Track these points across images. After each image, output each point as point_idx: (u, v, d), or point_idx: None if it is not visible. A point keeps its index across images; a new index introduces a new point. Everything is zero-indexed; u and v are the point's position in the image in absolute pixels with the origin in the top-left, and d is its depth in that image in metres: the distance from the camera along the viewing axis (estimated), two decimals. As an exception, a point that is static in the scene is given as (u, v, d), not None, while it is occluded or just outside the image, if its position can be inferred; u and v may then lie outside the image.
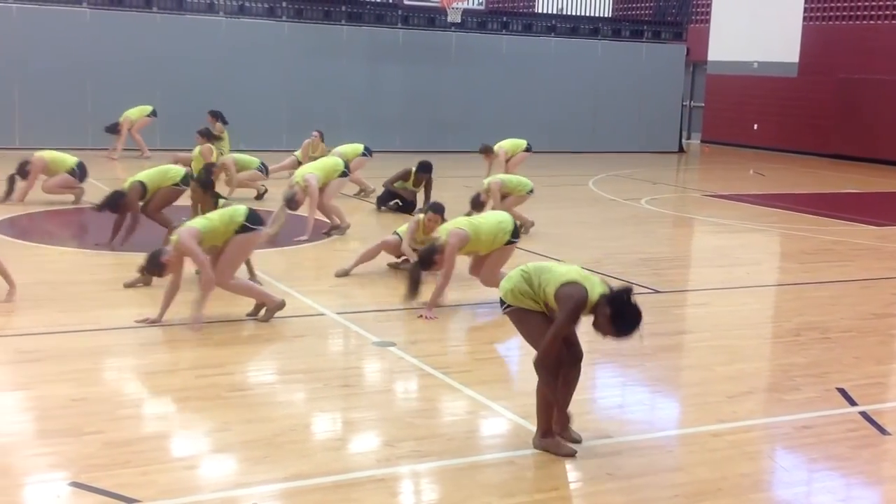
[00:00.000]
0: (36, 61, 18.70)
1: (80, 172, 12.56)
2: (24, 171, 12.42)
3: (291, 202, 10.83)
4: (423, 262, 8.00)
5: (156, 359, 6.60)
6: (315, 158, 15.41)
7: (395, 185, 13.06)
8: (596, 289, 4.89)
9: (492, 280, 8.18)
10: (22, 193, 12.36)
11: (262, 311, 7.54)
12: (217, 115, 16.70)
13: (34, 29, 18.91)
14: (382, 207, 13.25)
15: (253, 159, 13.91)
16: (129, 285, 8.29)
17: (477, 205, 11.05)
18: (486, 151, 15.27)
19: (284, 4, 21.38)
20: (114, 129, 17.72)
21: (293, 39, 21.10)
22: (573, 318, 4.89)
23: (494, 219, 8.33)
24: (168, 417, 5.65)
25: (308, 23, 21.50)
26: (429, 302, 7.92)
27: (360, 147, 14.11)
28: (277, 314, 7.53)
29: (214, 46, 20.28)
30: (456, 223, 8.23)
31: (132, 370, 6.45)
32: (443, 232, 8.16)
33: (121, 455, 4.90)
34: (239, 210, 7.50)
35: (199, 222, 7.40)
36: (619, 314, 4.77)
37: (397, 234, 9.28)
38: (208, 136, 14.42)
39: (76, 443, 5.04)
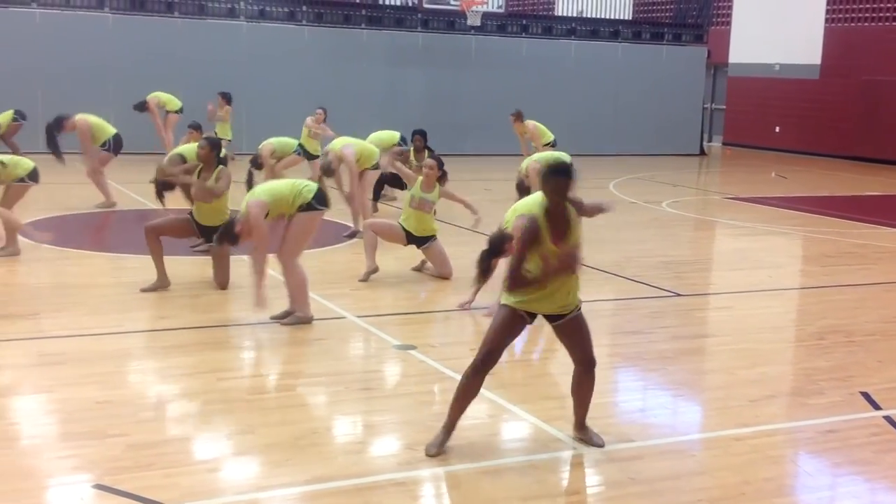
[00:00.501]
0: (59, 66, 18.85)
1: (113, 144, 12.66)
2: (60, 124, 12.49)
3: (328, 170, 10.85)
4: (493, 250, 7.82)
5: (178, 362, 6.63)
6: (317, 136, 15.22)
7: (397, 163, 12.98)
8: (538, 202, 4.98)
9: None
10: (86, 158, 12.57)
11: (289, 317, 7.54)
12: (228, 98, 16.81)
13: (57, 34, 19.07)
14: (379, 201, 13.10)
15: (290, 141, 13.87)
16: (146, 290, 8.33)
17: (522, 190, 11.03)
18: (518, 117, 15.02)
19: (305, 8, 21.48)
20: (142, 107, 17.77)
21: (313, 43, 21.18)
22: (527, 239, 4.94)
23: None
24: (190, 420, 5.67)
25: (328, 27, 21.58)
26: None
27: (395, 136, 13.78)
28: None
29: (235, 50, 20.39)
30: (516, 210, 8.09)
31: (155, 373, 6.49)
32: (509, 218, 8.04)
33: (144, 457, 4.93)
34: (311, 186, 7.45)
35: (265, 193, 7.36)
36: (551, 177, 4.86)
37: (401, 224, 9.23)
38: (201, 129, 14.48)
39: (100, 445, 5.07)
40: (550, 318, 5.14)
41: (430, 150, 12.93)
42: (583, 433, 5.34)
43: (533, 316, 5.15)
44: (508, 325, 5.11)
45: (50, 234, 9.10)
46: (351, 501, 4.59)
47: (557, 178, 4.86)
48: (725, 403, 6.17)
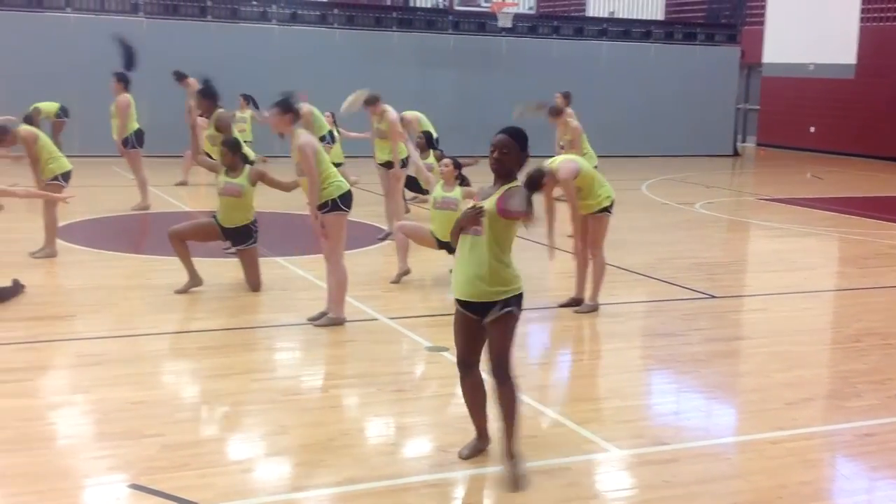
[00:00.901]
0: (93, 70, 19.03)
1: (136, 139, 12.77)
2: (125, 77, 12.73)
3: (372, 98, 10.95)
4: (532, 181, 7.69)
5: (212, 363, 6.67)
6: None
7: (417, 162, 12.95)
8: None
9: (598, 256, 8.23)
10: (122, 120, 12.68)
11: (322, 318, 7.57)
12: (248, 99, 16.84)
13: (92, 38, 19.25)
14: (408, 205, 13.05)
15: (324, 124, 13.79)
16: (180, 292, 8.40)
17: (555, 112, 11.17)
18: (567, 98, 14.84)
19: (336, 12, 21.56)
20: (180, 76, 17.88)
21: (345, 46, 21.26)
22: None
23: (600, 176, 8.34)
24: (225, 421, 5.71)
25: (359, 29, 21.65)
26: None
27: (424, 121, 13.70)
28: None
29: (268, 54, 20.51)
30: (566, 157, 8.29)
31: (189, 374, 6.54)
32: (554, 163, 8.11)
33: (179, 458, 4.97)
34: (344, 185, 7.43)
35: (318, 144, 7.45)
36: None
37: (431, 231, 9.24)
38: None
39: (135, 445, 5.11)
40: (482, 315, 4.78)
41: (437, 150, 12.88)
42: (506, 462, 4.78)
43: (475, 311, 4.80)
44: (456, 321, 4.93)
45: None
46: (383, 503, 4.60)
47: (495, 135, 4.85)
48: (761, 406, 6.11)
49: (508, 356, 4.81)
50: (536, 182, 7.77)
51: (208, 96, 9.99)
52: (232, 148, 8.63)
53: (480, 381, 5.03)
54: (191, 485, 4.64)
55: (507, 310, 4.74)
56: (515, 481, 4.73)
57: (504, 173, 4.84)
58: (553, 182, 7.96)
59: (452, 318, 4.98)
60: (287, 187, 8.39)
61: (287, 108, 7.31)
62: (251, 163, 8.93)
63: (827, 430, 5.77)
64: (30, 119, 11.08)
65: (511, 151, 4.81)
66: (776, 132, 27.29)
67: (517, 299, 4.79)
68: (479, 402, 5.06)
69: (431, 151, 12.62)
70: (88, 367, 6.43)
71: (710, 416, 6.11)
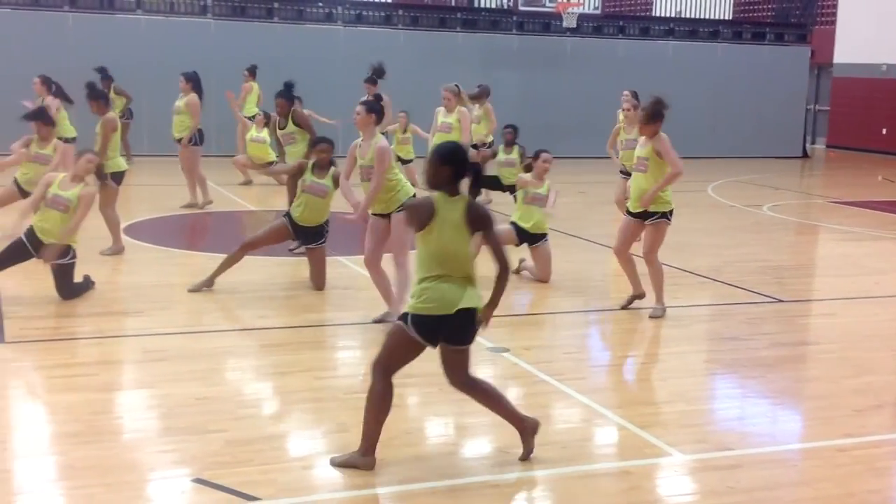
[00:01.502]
0: (163, 70, 19.38)
1: (199, 138, 12.89)
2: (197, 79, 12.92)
3: (464, 96, 11.24)
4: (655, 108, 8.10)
5: (275, 360, 6.74)
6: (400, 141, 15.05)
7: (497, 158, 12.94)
8: None
9: (653, 262, 8.15)
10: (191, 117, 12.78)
11: (385, 316, 7.60)
12: (268, 117, 16.92)
13: (161, 40, 19.64)
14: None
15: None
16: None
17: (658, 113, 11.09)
18: (636, 96, 14.66)
19: (401, 13, 21.66)
20: (253, 70, 18.11)
21: (409, 47, 21.33)
22: None
23: None
24: (287, 418, 5.77)
25: (424, 30, 21.71)
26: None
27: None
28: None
29: (333, 54, 20.69)
30: None
31: (253, 371, 6.61)
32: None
33: (242, 453, 5.03)
34: (409, 188, 7.51)
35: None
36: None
37: (515, 222, 9.29)
38: (269, 117, 14.49)
39: (199, 440, 5.19)
40: None
41: (519, 146, 12.85)
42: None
43: None
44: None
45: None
46: (444, 502, 4.60)
47: None
48: (828, 413, 5.98)
49: (378, 358, 4.94)
50: (659, 112, 8.08)
51: (287, 98, 10.10)
52: (332, 145, 8.85)
53: (475, 384, 5.11)
54: (253, 480, 4.69)
55: (398, 321, 4.93)
56: (342, 459, 4.90)
57: (432, 186, 4.88)
58: (653, 129, 8.27)
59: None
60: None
61: (372, 108, 7.42)
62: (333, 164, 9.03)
63: (897, 439, 5.64)
64: (108, 75, 11.20)
65: (432, 166, 4.86)
66: (847, 134, 26.72)
67: (408, 317, 4.85)
68: (490, 402, 5.10)
69: (515, 147, 12.67)
70: (154, 363, 6.54)
71: (776, 421, 6.00)
